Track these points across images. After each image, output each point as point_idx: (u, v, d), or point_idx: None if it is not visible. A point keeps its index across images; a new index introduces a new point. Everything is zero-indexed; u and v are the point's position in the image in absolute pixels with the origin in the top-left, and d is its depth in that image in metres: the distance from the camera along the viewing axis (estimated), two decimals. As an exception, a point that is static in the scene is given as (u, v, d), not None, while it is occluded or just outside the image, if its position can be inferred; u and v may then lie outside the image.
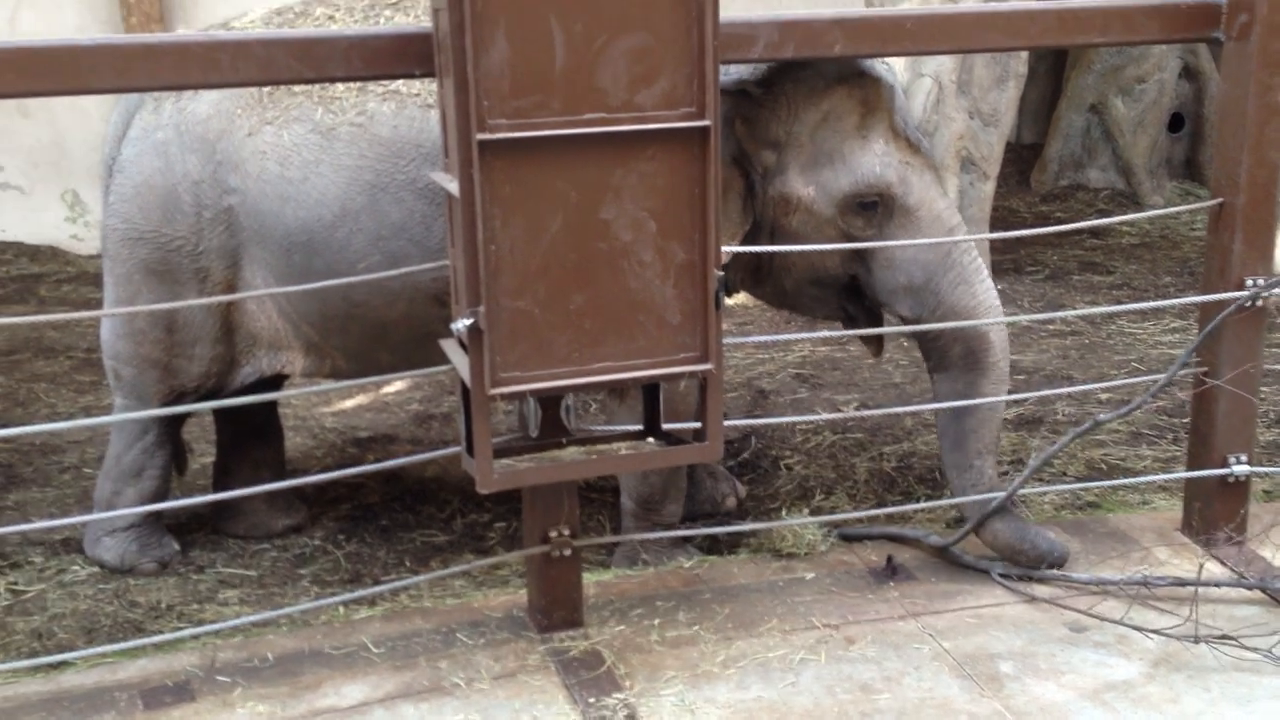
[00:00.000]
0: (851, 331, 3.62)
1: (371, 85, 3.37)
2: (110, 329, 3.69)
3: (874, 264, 3.34)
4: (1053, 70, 8.34)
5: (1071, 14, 3.20)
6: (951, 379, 3.36)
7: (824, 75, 3.24)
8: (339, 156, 3.35)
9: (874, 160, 3.24)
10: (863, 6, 6.23)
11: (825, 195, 3.25)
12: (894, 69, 3.45)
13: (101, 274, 3.70)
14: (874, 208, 3.27)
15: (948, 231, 3.30)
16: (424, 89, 3.33)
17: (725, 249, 3.18)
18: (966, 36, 3.21)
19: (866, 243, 3.30)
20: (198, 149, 3.45)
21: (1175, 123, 7.99)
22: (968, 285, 3.30)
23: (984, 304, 3.31)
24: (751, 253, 3.35)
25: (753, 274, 3.48)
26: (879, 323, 3.53)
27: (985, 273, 3.35)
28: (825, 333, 3.88)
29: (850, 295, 3.47)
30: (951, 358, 3.35)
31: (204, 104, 3.47)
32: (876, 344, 3.70)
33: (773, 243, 3.32)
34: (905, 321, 3.41)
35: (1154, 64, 7.72)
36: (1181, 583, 3.16)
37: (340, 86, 3.38)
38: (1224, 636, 2.94)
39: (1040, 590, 3.23)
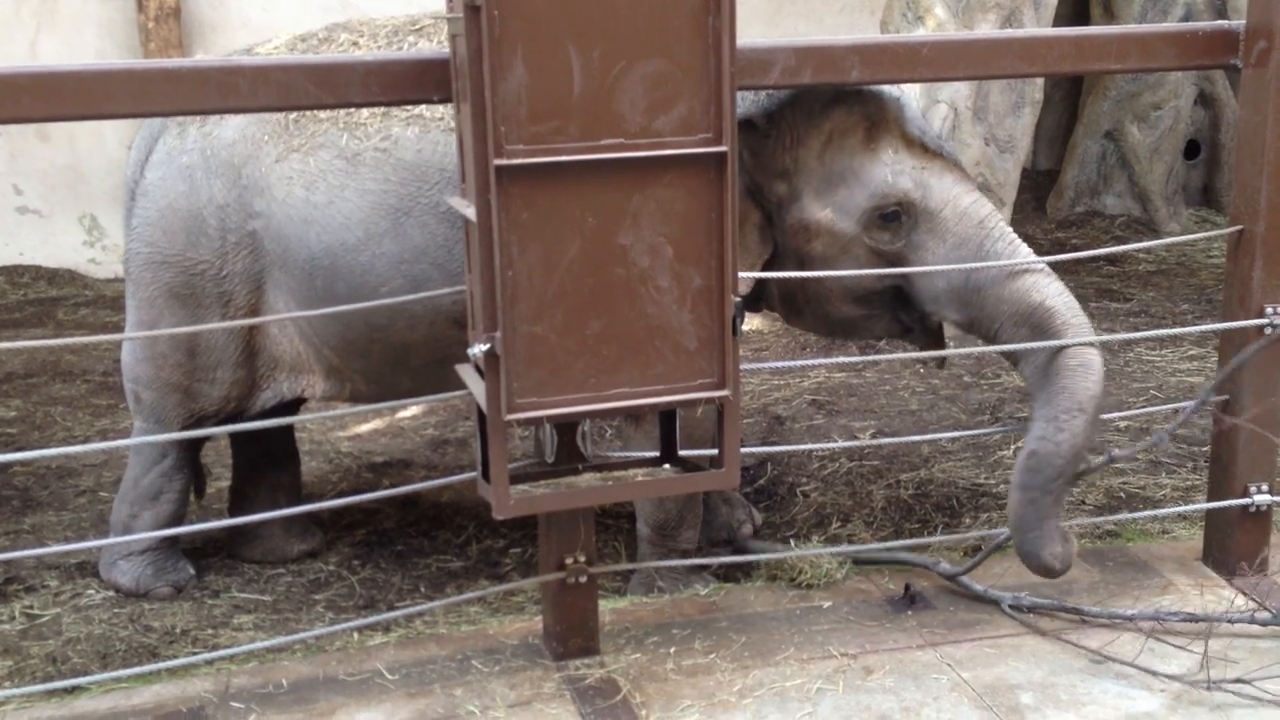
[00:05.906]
0: (898, 355, 3.58)
1: (395, 110, 3.38)
2: (131, 352, 3.70)
3: (910, 274, 3.30)
4: (1069, 97, 8.33)
5: (1088, 40, 3.20)
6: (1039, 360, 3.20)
7: (822, 98, 3.24)
8: (364, 181, 3.36)
9: (885, 170, 3.22)
10: (878, 33, 6.25)
11: (844, 214, 3.24)
12: (907, 92, 3.44)
13: (119, 298, 3.73)
14: (896, 218, 3.24)
15: (979, 223, 3.22)
16: (447, 114, 3.34)
17: (744, 275, 3.18)
18: (983, 63, 3.21)
19: (897, 256, 3.26)
20: (223, 173, 3.46)
21: (1191, 149, 7.97)
22: (1010, 265, 3.20)
23: (1031, 270, 3.18)
24: (783, 283, 3.32)
25: (789, 305, 3.46)
26: (937, 331, 3.46)
27: (1021, 244, 3.24)
28: (842, 358, 3.86)
29: (901, 304, 3.41)
30: (1041, 356, 3.17)
31: (229, 129, 3.49)
32: (938, 357, 3.57)
33: (801, 271, 3.30)
34: (959, 328, 3.36)
35: (1170, 90, 7.71)
36: (1194, 619, 3.12)
37: (365, 112, 3.40)
38: (1238, 680, 2.90)
39: (1054, 623, 3.20)
